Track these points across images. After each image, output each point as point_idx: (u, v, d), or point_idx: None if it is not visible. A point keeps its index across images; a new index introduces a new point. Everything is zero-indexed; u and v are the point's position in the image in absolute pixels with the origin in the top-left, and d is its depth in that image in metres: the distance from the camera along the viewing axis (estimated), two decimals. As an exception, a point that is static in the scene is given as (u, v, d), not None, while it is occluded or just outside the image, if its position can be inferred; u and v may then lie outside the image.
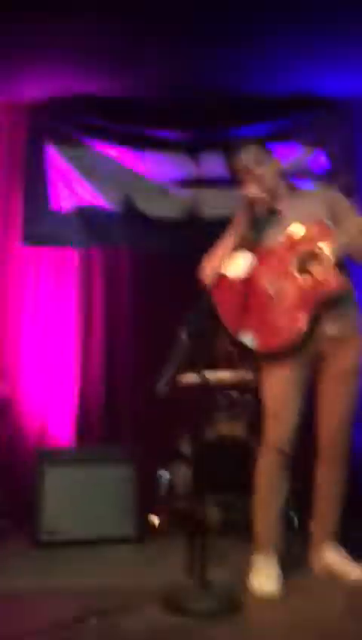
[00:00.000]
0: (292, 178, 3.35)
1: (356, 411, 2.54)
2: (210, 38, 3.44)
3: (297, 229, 2.46)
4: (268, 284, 2.43)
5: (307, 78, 3.99)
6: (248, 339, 2.38)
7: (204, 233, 4.07)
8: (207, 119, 4.13)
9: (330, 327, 2.43)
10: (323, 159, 4.27)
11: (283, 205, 2.56)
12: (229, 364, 3.57)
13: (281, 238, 2.48)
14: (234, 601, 2.01)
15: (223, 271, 2.37)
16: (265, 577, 2.21)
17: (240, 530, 3.02)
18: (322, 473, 2.52)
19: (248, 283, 2.44)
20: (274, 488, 2.41)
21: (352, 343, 2.46)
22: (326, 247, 2.40)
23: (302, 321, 2.37)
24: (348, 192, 4.14)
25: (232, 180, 2.68)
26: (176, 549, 2.53)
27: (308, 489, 2.63)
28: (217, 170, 4.05)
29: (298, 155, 4.21)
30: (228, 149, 2.67)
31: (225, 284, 2.37)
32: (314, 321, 2.39)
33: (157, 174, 4.22)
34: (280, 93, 4.11)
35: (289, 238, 2.46)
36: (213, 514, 3.18)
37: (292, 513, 3.03)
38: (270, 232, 2.52)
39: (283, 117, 4.14)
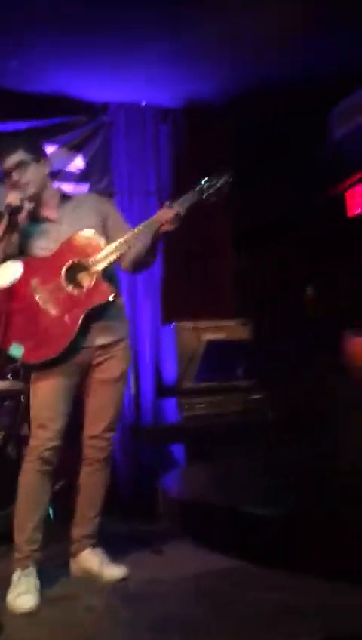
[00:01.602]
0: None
1: (120, 417, 2.62)
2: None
3: (68, 239, 2.42)
4: (36, 294, 2.37)
5: (68, 80, 4.01)
6: (15, 349, 2.31)
7: None
8: None
9: (98, 336, 2.45)
10: (79, 161, 4.32)
11: (53, 212, 2.49)
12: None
13: (51, 247, 2.42)
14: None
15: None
16: (23, 594, 2.15)
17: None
18: (85, 476, 2.53)
19: (15, 293, 2.35)
20: (35, 499, 2.35)
21: (119, 351, 2.51)
22: (95, 258, 2.40)
23: (69, 331, 2.35)
24: (107, 195, 4.28)
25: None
26: None
27: (70, 491, 2.61)
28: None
29: (55, 156, 4.20)
30: None
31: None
32: (82, 330, 2.39)
33: None
34: (39, 93, 4.06)
35: (60, 247, 2.41)
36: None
37: (50, 509, 3.00)
38: (39, 240, 2.45)
39: (42, 117, 4.09)
